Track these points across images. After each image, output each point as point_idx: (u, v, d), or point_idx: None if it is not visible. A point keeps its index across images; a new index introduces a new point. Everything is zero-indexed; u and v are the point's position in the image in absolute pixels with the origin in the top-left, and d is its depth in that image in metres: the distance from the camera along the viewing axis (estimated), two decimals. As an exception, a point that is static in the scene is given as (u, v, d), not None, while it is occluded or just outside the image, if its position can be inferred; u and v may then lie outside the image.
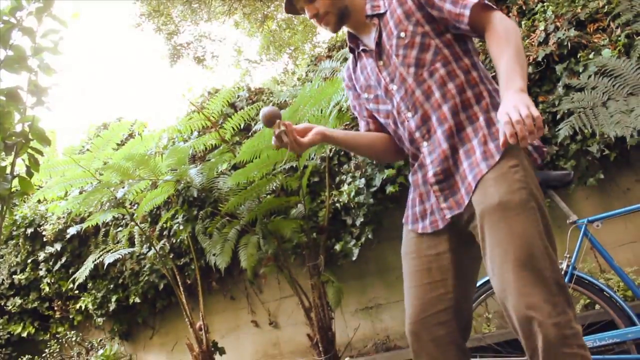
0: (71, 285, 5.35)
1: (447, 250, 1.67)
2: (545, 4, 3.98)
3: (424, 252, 1.69)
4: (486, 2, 1.58)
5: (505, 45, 1.50)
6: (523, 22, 3.99)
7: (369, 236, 4.13)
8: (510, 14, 4.23)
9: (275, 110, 1.64)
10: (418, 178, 1.74)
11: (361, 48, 1.80)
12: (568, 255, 2.41)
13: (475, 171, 1.55)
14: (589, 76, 3.30)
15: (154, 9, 11.14)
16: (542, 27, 3.72)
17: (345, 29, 1.85)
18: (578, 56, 3.48)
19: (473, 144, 1.59)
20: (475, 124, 1.61)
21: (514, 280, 1.43)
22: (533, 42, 3.72)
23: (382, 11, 1.72)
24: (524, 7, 4.23)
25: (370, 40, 1.76)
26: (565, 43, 3.53)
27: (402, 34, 1.65)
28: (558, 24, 3.66)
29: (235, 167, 4.38)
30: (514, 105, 1.34)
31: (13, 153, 2.57)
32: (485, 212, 1.50)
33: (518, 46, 1.50)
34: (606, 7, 3.58)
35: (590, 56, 3.41)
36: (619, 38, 3.38)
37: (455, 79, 1.63)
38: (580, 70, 3.42)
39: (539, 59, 3.58)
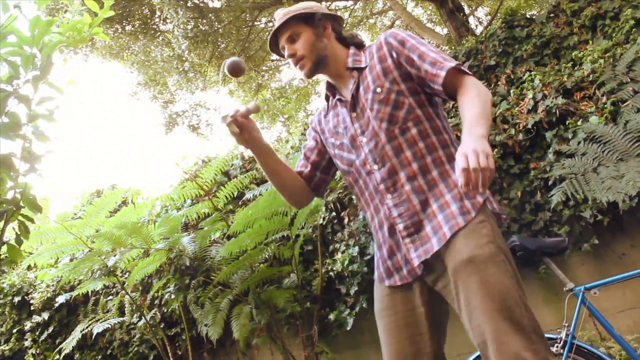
0: (57, 356, 5.18)
1: (420, 304, 1.68)
2: (532, 73, 4.09)
3: (399, 307, 1.70)
4: (462, 67, 1.64)
5: (476, 100, 1.54)
6: (512, 91, 4.08)
7: (364, 305, 4.04)
8: (500, 83, 4.35)
9: (240, 63, 1.73)
10: (385, 232, 1.73)
11: (337, 97, 1.85)
12: (566, 324, 2.36)
13: (452, 223, 1.57)
14: (579, 142, 3.34)
15: (150, 78, 11.39)
16: (530, 95, 3.81)
17: (323, 78, 1.91)
18: (567, 123, 3.54)
19: (447, 198, 1.62)
20: (448, 180, 1.65)
21: (493, 331, 1.43)
22: (522, 109, 3.80)
23: (362, 65, 1.78)
24: (512, 76, 4.34)
25: (347, 92, 1.81)
26: (554, 110, 3.60)
27: (379, 90, 1.71)
28: (546, 92, 3.75)
29: (228, 236, 4.35)
30: (474, 150, 1.36)
31: (3, 220, 2.54)
32: (457, 267, 1.52)
33: (486, 104, 1.55)
34: (591, 75, 3.68)
35: (579, 123, 3.47)
36: (605, 105, 3.45)
37: (426, 139, 1.68)
38: (570, 137, 3.47)
39: (529, 126, 3.64)
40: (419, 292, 1.68)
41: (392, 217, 1.68)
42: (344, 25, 1.91)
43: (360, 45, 1.87)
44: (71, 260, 4.95)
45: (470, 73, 1.66)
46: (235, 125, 1.67)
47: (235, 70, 1.73)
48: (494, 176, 1.35)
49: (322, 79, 1.92)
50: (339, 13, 12.31)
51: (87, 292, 5.07)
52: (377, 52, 1.77)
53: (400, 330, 1.67)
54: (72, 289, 5.24)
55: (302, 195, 1.99)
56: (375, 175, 1.71)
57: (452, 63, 1.63)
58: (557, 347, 2.29)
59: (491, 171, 1.34)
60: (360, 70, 1.79)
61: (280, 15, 1.83)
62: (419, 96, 1.72)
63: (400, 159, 1.67)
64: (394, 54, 1.73)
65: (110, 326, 4.91)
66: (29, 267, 6.25)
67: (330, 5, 11.46)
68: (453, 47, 6.52)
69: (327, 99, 1.94)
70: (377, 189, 1.72)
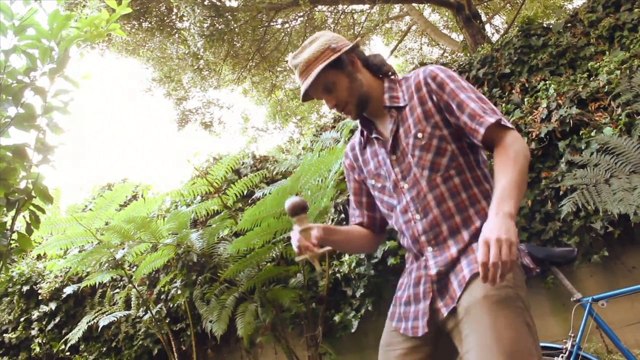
0: (63, 347, 5.23)
1: (426, 357, 1.61)
2: (547, 82, 4.08)
3: (402, 349, 1.63)
4: (502, 121, 1.56)
5: (512, 166, 1.48)
6: (526, 99, 4.07)
7: (369, 308, 4.04)
8: (514, 91, 4.33)
9: (301, 203, 1.60)
10: (411, 279, 1.69)
11: (374, 135, 1.76)
12: (572, 335, 2.34)
13: (473, 267, 1.51)
14: (592, 153, 3.33)
15: (165, 75, 11.45)
16: (544, 105, 3.79)
17: None
18: (580, 133, 3.52)
19: (473, 246, 1.57)
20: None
21: None
22: (536, 118, 3.78)
23: (401, 104, 1.70)
24: (526, 85, 4.33)
25: (385, 130, 1.73)
26: (568, 120, 3.58)
27: (420, 135, 1.63)
28: (560, 101, 3.73)
29: (236, 234, 4.36)
30: (497, 239, 1.32)
31: (15, 209, 2.56)
32: (471, 306, 1.45)
33: (523, 170, 1.48)
34: (606, 87, 3.66)
35: (592, 134, 3.45)
36: (620, 117, 3.43)
37: (468, 190, 1.62)
38: (583, 147, 3.45)
39: (542, 135, 3.62)
40: (428, 343, 1.61)
41: (428, 268, 1.62)
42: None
43: (390, 75, 1.78)
44: (80, 251, 4.98)
45: (510, 126, 1.58)
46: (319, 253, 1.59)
47: (296, 210, 1.60)
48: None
49: None
50: (355, 17, 12.31)
51: (95, 284, 5.11)
52: (416, 91, 1.68)
53: None
54: (80, 280, 5.28)
55: (373, 244, 1.95)
56: (417, 225, 1.64)
57: (492, 118, 1.55)
58: (562, 357, 2.28)
59: (512, 262, 1.29)
60: (400, 109, 1.70)
61: (301, 65, 1.72)
62: (461, 143, 1.64)
63: (442, 210, 1.61)
64: (434, 98, 1.65)
65: (116, 319, 4.94)
66: (38, 257, 6.31)
67: (346, 8, 11.46)
68: (468, 54, 6.50)
69: (362, 133, 1.83)
70: (417, 239, 1.65)
